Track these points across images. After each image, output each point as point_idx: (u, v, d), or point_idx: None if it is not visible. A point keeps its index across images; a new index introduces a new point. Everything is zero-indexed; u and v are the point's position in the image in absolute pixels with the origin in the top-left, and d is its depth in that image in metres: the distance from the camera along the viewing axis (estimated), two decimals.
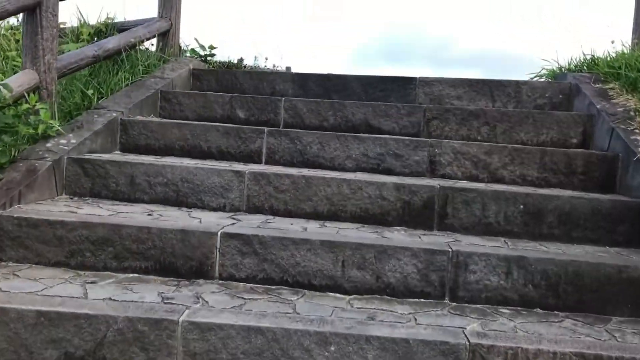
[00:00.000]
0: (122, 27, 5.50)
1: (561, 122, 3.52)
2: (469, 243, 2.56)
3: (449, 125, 3.65)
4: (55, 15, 3.45)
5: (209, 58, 5.73)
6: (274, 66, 6.34)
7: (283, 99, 3.94)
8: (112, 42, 4.30)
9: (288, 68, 21.62)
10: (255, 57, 6.29)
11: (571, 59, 4.46)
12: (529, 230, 2.75)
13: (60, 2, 3.57)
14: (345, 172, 3.30)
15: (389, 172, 3.29)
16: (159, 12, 5.32)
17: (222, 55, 6.36)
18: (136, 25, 5.22)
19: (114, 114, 3.55)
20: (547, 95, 3.90)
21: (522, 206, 2.75)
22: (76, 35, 5.30)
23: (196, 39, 6.29)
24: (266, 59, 6.37)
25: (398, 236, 2.61)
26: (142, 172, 2.97)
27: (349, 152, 3.34)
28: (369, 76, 4.29)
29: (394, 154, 3.29)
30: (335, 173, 3.17)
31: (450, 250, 2.35)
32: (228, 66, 5.78)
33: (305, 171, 3.13)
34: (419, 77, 4.15)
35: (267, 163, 3.42)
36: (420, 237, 2.62)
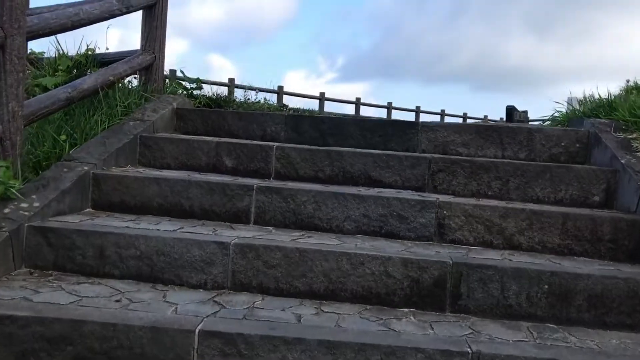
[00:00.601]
0: (103, 60, 5.18)
1: (581, 177, 3.19)
2: (489, 336, 2.21)
3: (457, 179, 3.31)
4: (21, 58, 3.10)
5: (195, 92, 5.40)
6: (266, 100, 6.02)
7: (274, 146, 3.59)
8: (87, 82, 3.95)
9: (280, 87, 21.20)
10: (245, 93, 5.96)
11: (586, 100, 4.17)
12: (555, 314, 2.40)
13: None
14: (343, 234, 2.96)
15: (392, 235, 2.94)
16: (141, 45, 4.99)
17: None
18: (118, 58, 4.90)
19: (86, 167, 3.19)
20: (562, 144, 3.58)
21: (546, 286, 2.40)
22: (54, 67, 4.96)
23: (182, 71, 5.96)
24: (257, 92, 6.03)
25: (407, 327, 2.25)
26: (112, 242, 2.61)
27: (348, 212, 2.99)
28: (368, 119, 3.97)
29: (397, 215, 2.95)
30: (334, 239, 2.82)
31: (469, 351, 2.00)
32: (217, 101, 5.45)
33: (299, 238, 2.78)
34: (422, 122, 3.83)
35: (256, 223, 3.06)
36: (431, 327, 2.27)
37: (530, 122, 28.03)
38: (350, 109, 23.02)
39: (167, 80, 5.67)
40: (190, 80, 5.49)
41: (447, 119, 27.98)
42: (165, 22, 5.12)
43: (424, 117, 26.86)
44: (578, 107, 4.46)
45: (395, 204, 2.96)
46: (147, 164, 3.74)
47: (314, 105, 21.55)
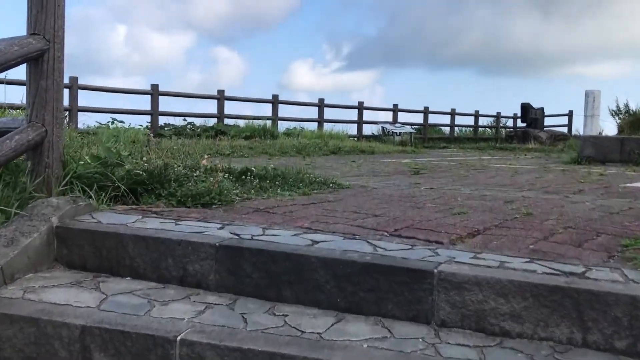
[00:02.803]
0: None
1: None
2: None
3: None
4: None
5: (115, 170, 3.85)
6: (226, 176, 4.43)
7: (178, 340, 2.03)
8: None
9: (275, 97, 19.68)
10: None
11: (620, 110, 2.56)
12: None
13: None
14: None
15: None
16: (26, 114, 3.54)
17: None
18: (4, 130, 3.50)
19: None
20: None
21: None
22: None
23: (107, 146, 4.43)
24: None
25: None
26: None
27: None
28: (346, 261, 2.38)
29: None
30: None
31: None
32: (146, 182, 3.88)
33: None
34: (439, 272, 2.23)
35: None
36: None
37: (545, 117, 26.15)
38: (352, 114, 21.36)
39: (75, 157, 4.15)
40: (110, 151, 3.94)
41: (458, 119, 26.23)
42: (61, 80, 3.62)
43: (432, 118, 25.18)
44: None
45: None
46: None
47: (312, 113, 19.94)
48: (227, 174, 4.55)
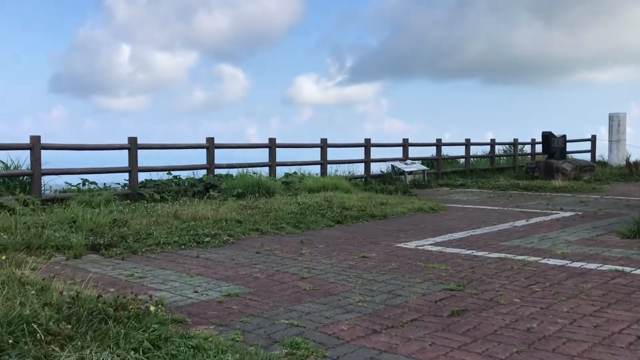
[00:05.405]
0: None
1: None
2: None
3: None
4: None
5: None
6: None
7: None
8: None
9: (272, 140, 17.66)
10: None
11: None
12: None
13: None
14: None
15: None
16: None
17: None
18: None
19: None
20: None
21: None
22: None
23: None
24: None
25: None
26: None
27: None
28: None
29: None
30: None
31: None
32: None
33: None
34: None
35: None
36: None
37: (567, 142, 24.04)
38: (359, 153, 19.49)
39: None
40: None
41: (473, 149, 24.28)
42: None
43: (446, 150, 23.24)
44: None
45: None
46: None
47: (315, 155, 18.03)
48: None
